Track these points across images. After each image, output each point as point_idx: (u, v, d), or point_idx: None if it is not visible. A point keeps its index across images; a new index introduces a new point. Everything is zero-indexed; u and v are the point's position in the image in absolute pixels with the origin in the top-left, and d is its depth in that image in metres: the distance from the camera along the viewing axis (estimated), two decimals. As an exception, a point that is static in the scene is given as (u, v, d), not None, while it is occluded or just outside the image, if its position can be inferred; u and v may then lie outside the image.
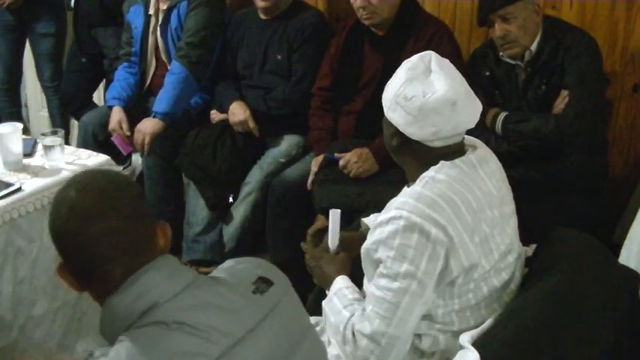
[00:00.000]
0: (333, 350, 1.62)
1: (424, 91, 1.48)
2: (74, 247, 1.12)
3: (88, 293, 1.19)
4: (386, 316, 1.47)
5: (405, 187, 1.61)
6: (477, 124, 2.47)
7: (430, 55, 1.54)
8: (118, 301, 1.10)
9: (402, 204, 1.47)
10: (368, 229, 1.84)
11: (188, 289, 1.11)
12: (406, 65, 1.54)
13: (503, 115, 2.48)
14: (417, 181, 1.52)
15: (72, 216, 1.12)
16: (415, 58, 1.55)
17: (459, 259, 1.45)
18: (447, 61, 1.56)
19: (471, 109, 1.53)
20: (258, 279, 1.18)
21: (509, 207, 1.60)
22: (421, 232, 1.43)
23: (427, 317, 1.54)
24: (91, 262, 1.12)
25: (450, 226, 1.43)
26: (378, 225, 1.50)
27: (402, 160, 1.61)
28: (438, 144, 1.52)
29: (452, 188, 1.47)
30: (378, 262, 1.51)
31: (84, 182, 1.15)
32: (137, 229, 1.14)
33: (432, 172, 1.51)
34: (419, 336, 1.56)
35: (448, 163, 1.51)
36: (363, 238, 1.61)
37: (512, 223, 1.60)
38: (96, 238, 1.10)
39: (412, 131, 1.51)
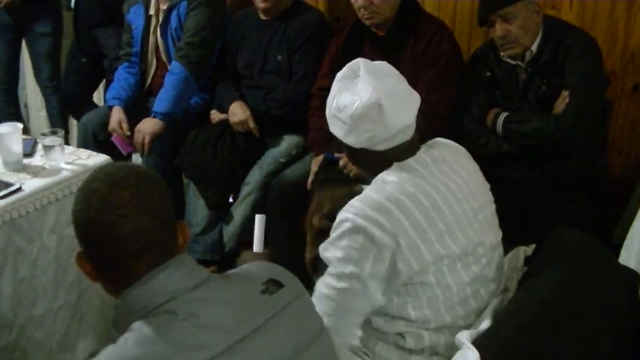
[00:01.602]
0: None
1: (352, 99, 1.50)
2: (102, 241, 1.12)
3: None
4: (331, 314, 1.50)
5: None
6: (478, 125, 2.52)
7: (359, 62, 1.57)
8: (134, 295, 1.12)
9: (349, 207, 1.50)
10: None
11: (201, 286, 1.13)
12: (337, 76, 1.58)
13: (503, 115, 2.47)
14: (371, 184, 1.55)
15: (105, 210, 1.11)
16: (345, 67, 1.58)
17: (407, 262, 1.46)
18: (380, 63, 1.58)
19: (401, 106, 1.52)
20: (268, 280, 1.19)
21: (478, 201, 1.58)
22: (365, 234, 1.45)
23: (402, 317, 1.55)
24: (117, 257, 1.12)
25: (397, 229, 1.45)
26: (332, 228, 1.53)
27: (360, 167, 1.67)
28: (382, 147, 1.54)
29: (401, 190, 1.49)
30: (327, 261, 1.54)
31: (116, 177, 1.14)
32: (165, 228, 1.16)
33: (383, 174, 1.53)
34: (401, 335, 1.57)
35: (401, 164, 1.53)
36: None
37: (482, 216, 1.58)
38: (127, 235, 1.11)
39: (351, 141, 1.55)
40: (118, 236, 1.11)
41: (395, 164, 1.53)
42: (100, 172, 1.18)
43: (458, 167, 1.59)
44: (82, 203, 1.14)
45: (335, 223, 1.52)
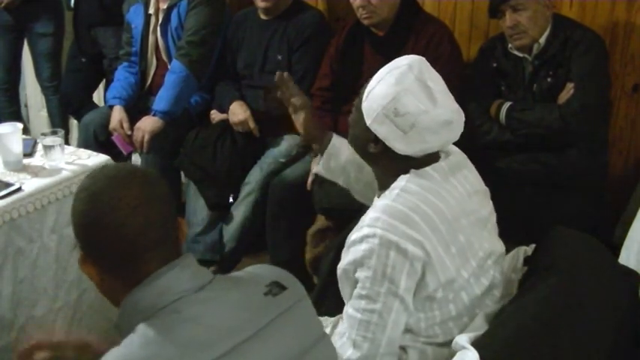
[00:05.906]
0: None
1: (419, 108, 1.42)
2: (113, 238, 1.11)
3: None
4: (375, 338, 1.44)
5: (375, 198, 1.58)
6: (482, 114, 2.53)
7: (420, 65, 1.46)
8: (141, 295, 1.11)
9: (375, 220, 1.41)
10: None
11: (207, 287, 1.13)
12: (394, 74, 1.44)
13: (507, 104, 2.51)
14: (387, 192, 1.47)
15: (117, 207, 1.11)
16: (403, 66, 1.45)
17: (435, 274, 1.43)
18: (434, 72, 1.49)
19: (461, 124, 1.50)
20: (272, 282, 1.19)
21: (487, 209, 1.58)
22: (397, 249, 1.39)
23: (410, 331, 1.52)
24: (129, 254, 1.12)
25: (426, 241, 1.40)
26: (352, 244, 1.45)
27: (373, 166, 1.57)
28: (420, 155, 1.49)
29: (425, 200, 1.43)
30: (356, 282, 1.46)
31: (119, 175, 1.15)
32: (171, 222, 1.16)
33: (402, 181, 1.46)
34: (404, 349, 1.53)
35: (419, 171, 1.47)
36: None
37: (490, 225, 1.58)
38: (138, 229, 1.11)
39: (399, 146, 1.46)
40: (129, 231, 1.10)
41: (413, 171, 1.47)
42: (100, 173, 1.18)
43: (469, 174, 1.56)
44: (88, 204, 1.13)
45: (355, 238, 1.44)
